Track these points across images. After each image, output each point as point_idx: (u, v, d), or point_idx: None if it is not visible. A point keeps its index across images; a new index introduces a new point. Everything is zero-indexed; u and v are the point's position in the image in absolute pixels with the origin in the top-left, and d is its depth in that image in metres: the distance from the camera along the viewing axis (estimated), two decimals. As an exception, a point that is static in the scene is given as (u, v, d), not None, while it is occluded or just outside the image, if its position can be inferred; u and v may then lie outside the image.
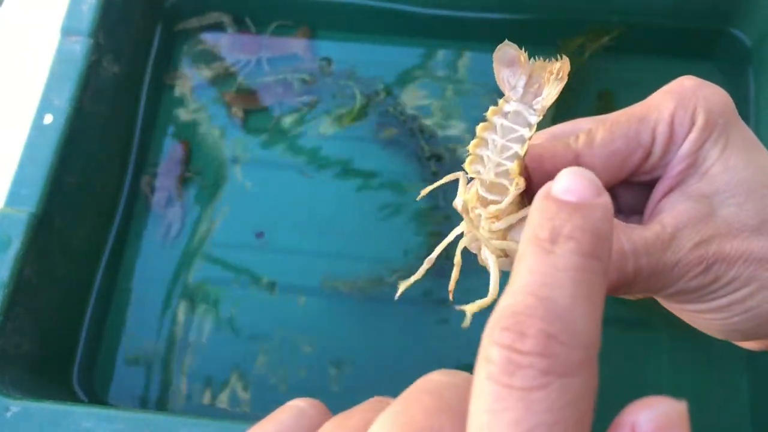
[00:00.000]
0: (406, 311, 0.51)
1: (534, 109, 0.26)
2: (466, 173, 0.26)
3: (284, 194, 0.57)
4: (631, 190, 0.29)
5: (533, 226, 0.16)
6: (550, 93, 0.26)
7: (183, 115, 0.61)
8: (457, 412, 0.15)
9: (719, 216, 0.25)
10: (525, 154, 0.26)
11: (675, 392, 0.53)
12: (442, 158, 0.57)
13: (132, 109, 0.59)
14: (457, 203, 0.27)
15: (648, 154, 0.26)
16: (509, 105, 0.26)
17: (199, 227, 0.56)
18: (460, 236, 0.28)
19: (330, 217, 0.56)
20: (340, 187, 0.57)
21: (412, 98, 0.61)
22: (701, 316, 0.27)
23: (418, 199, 0.29)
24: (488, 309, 0.26)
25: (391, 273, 0.53)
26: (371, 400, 0.18)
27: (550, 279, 0.14)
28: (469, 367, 0.16)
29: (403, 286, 0.29)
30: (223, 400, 0.51)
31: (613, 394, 0.49)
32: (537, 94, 0.26)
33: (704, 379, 0.50)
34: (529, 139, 0.25)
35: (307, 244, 0.55)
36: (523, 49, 0.27)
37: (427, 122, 0.59)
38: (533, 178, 0.27)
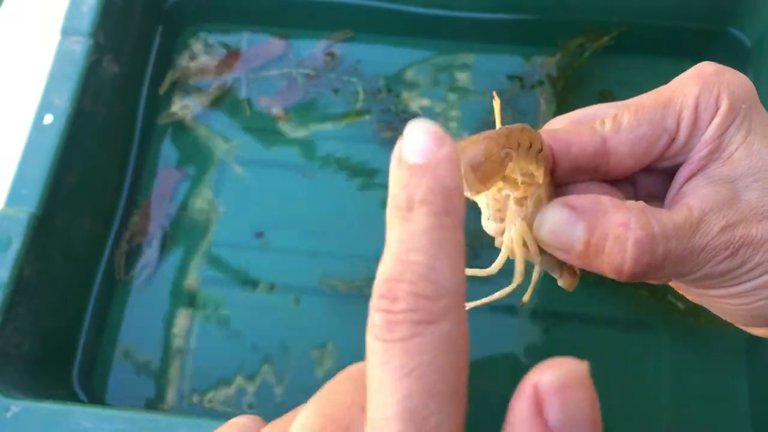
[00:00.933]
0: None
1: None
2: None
3: (284, 194, 0.57)
4: (652, 176, 0.29)
5: (392, 197, 0.17)
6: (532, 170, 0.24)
7: (183, 114, 0.61)
8: (353, 412, 0.18)
9: (743, 200, 0.25)
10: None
11: (675, 392, 0.53)
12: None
13: (132, 110, 0.59)
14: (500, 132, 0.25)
15: (673, 139, 0.26)
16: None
17: (199, 227, 0.56)
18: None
19: (330, 217, 0.56)
20: (340, 187, 0.57)
21: (413, 97, 0.61)
22: (725, 302, 0.27)
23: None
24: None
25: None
26: (301, 405, 0.20)
27: (411, 244, 0.16)
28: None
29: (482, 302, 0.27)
30: (222, 400, 0.51)
31: (613, 393, 0.49)
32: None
33: (704, 379, 0.50)
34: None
35: (307, 243, 0.55)
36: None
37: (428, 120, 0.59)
38: (558, 163, 0.27)
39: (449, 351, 0.16)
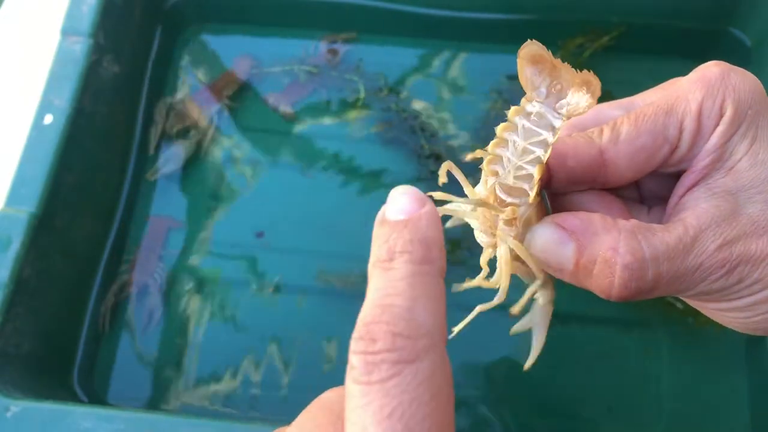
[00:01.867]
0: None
1: (558, 113, 0.25)
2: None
3: (284, 193, 0.57)
4: (656, 178, 0.28)
5: (374, 253, 0.19)
6: (579, 103, 0.24)
7: (183, 114, 0.61)
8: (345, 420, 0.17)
9: (745, 214, 0.24)
10: (547, 159, 0.24)
11: (675, 392, 0.53)
12: (441, 158, 0.57)
13: (132, 109, 0.59)
14: (470, 202, 0.26)
15: (675, 148, 0.25)
16: (532, 105, 0.25)
17: (199, 227, 0.56)
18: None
19: (330, 216, 0.56)
20: (340, 186, 0.57)
21: (414, 96, 0.61)
22: (723, 314, 0.26)
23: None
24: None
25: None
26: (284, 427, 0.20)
27: (391, 290, 0.17)
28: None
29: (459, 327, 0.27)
30: (223, 400, 0.51)
31: (613, 393, 0.49)
32: (560, 96, 0.25)
33: (704, 379, 0.50)
34: (553, 144, 0.24)
35: (307, 243, 0.55)
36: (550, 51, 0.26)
37: (429, 121, 0.59)
38: (555, 175, 0.26)
39: (431, 388, 0.16)
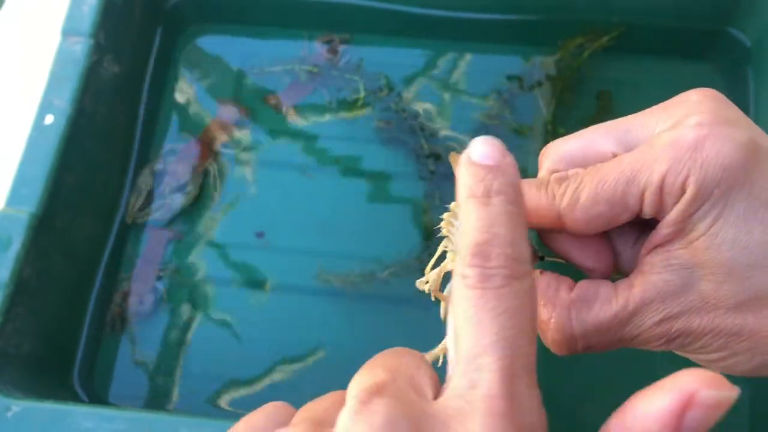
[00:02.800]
0: (399, 308, 0.51)
1: None
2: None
3: (284, 193, 0.57)
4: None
5: (469, 187, 0.21)
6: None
7: (184, 114, 0.61)
8: (410, 362, 0.21)
9: (696, 290, 0.24)
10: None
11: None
12: (441, 157, 0.57)
13: (132, 110, 0.59)
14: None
15: (637, 214, 0.25)
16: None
17: (200, 227, 0.56)
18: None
19: (329, 216, 0.56)
20: (340, 186, 0.58)
21: (414, 96, 0.61)
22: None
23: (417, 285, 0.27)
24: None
25: (384, 269, 0.54)
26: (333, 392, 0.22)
27: (494, 221, 0.20)
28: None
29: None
30: (223, 400, 0.51)
31: (613, 394, 0.49)
32: None
33: (704, 379, 0.50)
34: (455, 250, 0.25)
35: (307, 243, 0.55)
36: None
37: (428, 121, 0.59)
38: (529, 222, 0.26)
39: (531, 302, 0.20)
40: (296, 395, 0.51)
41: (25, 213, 0.46)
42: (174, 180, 0.55)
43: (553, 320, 0.26)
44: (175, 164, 0.56)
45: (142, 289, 0.54)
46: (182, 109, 0.61)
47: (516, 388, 0.18)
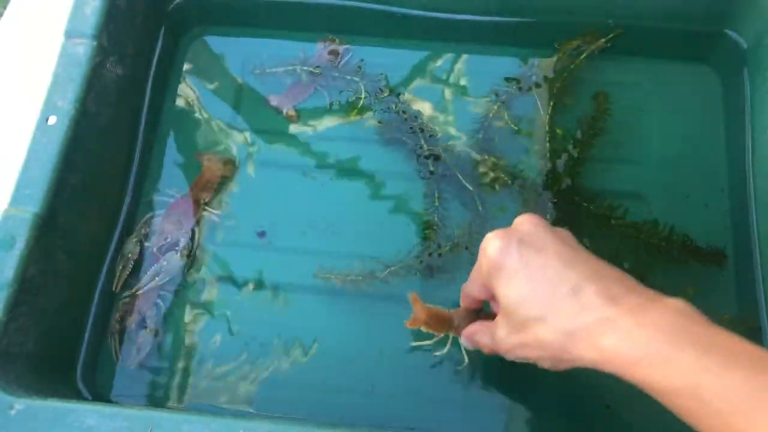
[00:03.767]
0: (398, 308, 0.51)
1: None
2: None
3: (285, 193, 0.58)
4: None
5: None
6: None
7: (185, 115, 0.61)
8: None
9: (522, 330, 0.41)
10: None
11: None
12: (440, 158, 0.57)
13: (135, 111, 0.59)
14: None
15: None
16: None
17: (200, 227, 0.57)
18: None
19: (330, 216, 0.57)
20: (340, 185, 0.58)
21: (413, 98, 0.61)
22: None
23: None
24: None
25: (384, 269, 0.54)
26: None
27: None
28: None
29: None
30: (224, 397, 0.51)
31: (613, 393, 0.49)
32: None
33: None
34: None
35: (308, 242, 0.56)
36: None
37: (428, 122, 0.60)
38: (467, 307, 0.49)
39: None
40: (297, 393, 0.51)
41: (28, 213, 0.46)
42: (162, 239, 0.55)
43: (476, 332, 0.46)
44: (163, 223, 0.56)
45: (144, 302, 0.54)
46: (184, 113, 0.62)
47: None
